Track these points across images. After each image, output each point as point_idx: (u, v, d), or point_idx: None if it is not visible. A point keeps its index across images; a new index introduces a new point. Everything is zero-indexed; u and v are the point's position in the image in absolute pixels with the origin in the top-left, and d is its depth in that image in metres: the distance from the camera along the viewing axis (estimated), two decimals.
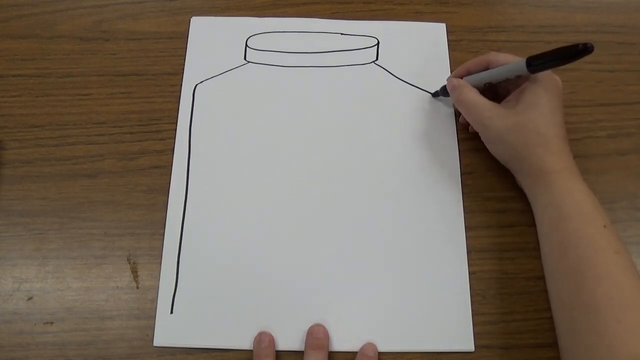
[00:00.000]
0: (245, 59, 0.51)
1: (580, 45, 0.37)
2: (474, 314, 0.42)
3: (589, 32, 0.53)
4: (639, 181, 0.47)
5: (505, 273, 0.43)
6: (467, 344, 0.41)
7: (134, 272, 0.43)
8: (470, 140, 0.48)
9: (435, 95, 0.49)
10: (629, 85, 0.51)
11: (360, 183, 0.46)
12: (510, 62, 0.42)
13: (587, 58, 0.51)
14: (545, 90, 0.41)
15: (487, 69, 0.44)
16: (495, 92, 0.46)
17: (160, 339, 0.41)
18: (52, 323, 0.41)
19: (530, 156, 0.40)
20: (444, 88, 0.47)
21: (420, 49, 0.52)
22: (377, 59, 0.51)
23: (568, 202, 0.39)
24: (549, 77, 0.42)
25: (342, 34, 0.52)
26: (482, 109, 0.42)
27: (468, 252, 0.44)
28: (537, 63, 0.40)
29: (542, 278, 0.42)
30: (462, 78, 0.46)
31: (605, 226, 0.37)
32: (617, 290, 0.35)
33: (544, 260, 0.41)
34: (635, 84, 0.51)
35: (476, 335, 0.41)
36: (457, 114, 0.48)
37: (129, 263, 0.43)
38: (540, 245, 0.41)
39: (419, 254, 0.43)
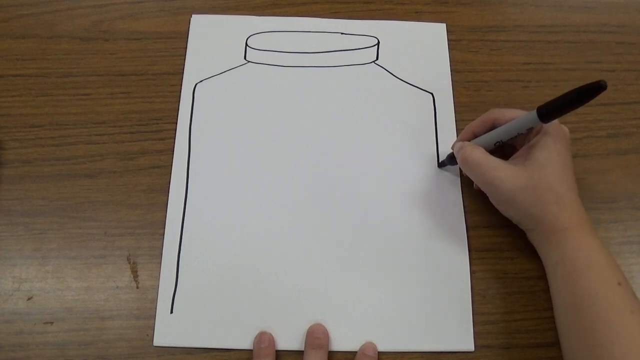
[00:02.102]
0: (245, 58, 0.51)
1: (594, 84, 0.35)
2: (474, 313, 0.42)
3: (589, 32, 0.53)
4: (639, 181, 0.47)
5: (505, 273, 0.43)
6: (467, 344, 0.41)
7: (134, 272, 0.43)
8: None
9: (441, 165, 0.46)
10: (629, 85, 0.51)
11: (361, 183, 0.46)
12: (517, 117, 0.40)
13: (587, 58, 0.52)
14: (555, 144, 0.39)
15: (493, 127, 0.42)
16: (501, 150, 0.43)
17: (160, 338, 0.41)
18: (52, 323, 0.41)
19: (544, 214, 0.39)
20: (450, 156, 0.45)
21: (420, 49, 0.52)
22: (377, 58, 0.51)
23: (581, 259, 0.37)
24: (558, 129, 0.40)
25: (342, 33, 0.52)
26: (491, 169, 0.40)
27: (468, 251, 0.43)
28: (548, 111, 0.37)
29: (542, 278, 0.41)
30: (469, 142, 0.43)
31: (619, 283, 0.36)
32: (635, 353, 0.34)
33: (556, 318, 0.39)
34: (635, 84, 0.51)
35: (476, 335, 0.41)
36: (470, 182, 0.45)
37: (129, 263, 0.43)
38: (553, 302, 0.39)
39: (420, 253, 0.43)
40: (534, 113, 0.38)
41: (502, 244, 0.44)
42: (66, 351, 0.40)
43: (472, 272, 0.43)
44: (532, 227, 0.41)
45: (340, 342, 0.41)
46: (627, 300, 0.35)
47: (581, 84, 0.50)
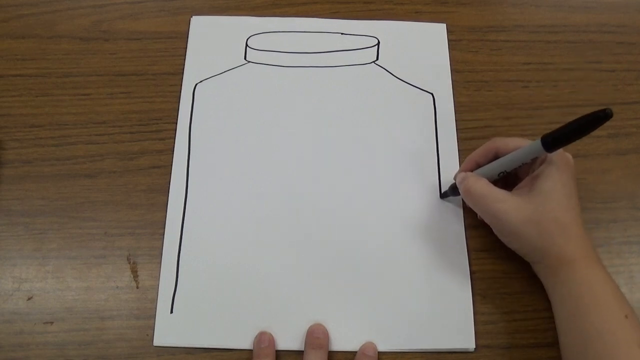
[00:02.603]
0: (245, 58, 0.51)
1: (599, 112, 0.34)
2: (474, 313, 0.42)
3: (589, 32, 0.53)
4: (639, 181, 0.47)
5: (505, 273, 0.43)
6: (468, 342, 0.41)
7: (134, 272, 0.43)
8: (469, 140, 0.48)
9: (443, 196, 0.45)
10: (629, 85, 0.51)
11: (361, 183, 0.46)
12: (520, 146, 0.39)
13: (587, 57, 0.52)
14: (560, 174, 0.38)
15: (495, 157, 0.41)
16: (504, 179, 0.42)
17: (160, 338, 0.41)
18: (52, 323, 0.41)
19: (550, 247, 0.38)
20: (452, 187, 0.44)
21: (420, 49, 0.52)
22: (377, 59, 0.51)
23: (588, 293, 0.37)
24: (562, 157, 0.39)
25: (342, 33, 0.52)
26: (495, 200, 0.39)
27: (468, 251, 0.44)
28: (553, 140, 0.36)
29: None
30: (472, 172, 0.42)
31: (626, 316, 0.35)
32: None
33: (563, 353, 0.38)
34: (635, 84, 0.51)
35: (476, 335, 0.41)
36: (474, 213, 0.44)
37: (129, 263, 0.43)
38: (559, 335, 0.38)
39: (420, 253, 0.43)
40: (538, 142, 0.37)
41: (502, 244, 0.44)
42: (66, 351, 0.40)
43: (472, 272, 0.43)
44: (538, 260, 0.40)
45: (340, 342, 0.41)
46: (634, 333, 0.35)
47: (581, 84, 0.51)
